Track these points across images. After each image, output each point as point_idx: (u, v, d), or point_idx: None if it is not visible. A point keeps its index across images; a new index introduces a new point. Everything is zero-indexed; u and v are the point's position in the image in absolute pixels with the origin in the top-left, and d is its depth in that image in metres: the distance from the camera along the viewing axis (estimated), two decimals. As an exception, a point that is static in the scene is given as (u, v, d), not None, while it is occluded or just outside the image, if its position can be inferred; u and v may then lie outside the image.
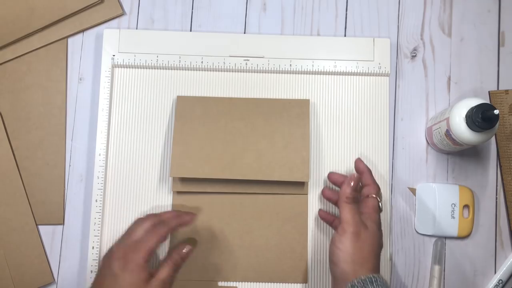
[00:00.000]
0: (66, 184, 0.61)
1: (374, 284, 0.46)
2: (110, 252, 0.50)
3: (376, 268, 0.49)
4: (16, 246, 0.59)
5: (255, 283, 0.58)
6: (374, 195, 0.53)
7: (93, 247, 0.58)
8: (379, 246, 0.50)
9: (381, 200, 0.53)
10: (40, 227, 0.60)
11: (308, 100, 0.60)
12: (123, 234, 0.52)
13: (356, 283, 0.46)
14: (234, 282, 0.58)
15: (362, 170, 0.56)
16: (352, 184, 0.52)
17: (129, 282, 0.47)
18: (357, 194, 0.52)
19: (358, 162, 0.56)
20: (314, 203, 0.60)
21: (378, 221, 0.52)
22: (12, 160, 0.60)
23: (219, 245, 0.58)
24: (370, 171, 0.55)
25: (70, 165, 0.61)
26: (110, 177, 0.60)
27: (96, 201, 0.59)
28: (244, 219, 0.59)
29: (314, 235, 0.59)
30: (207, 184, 0.58)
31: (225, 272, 0.58)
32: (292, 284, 0.58)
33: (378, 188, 0.54)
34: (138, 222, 0.52)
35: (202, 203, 0.59)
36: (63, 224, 0.60)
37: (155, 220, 0.52)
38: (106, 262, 0.49)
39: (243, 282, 0.58)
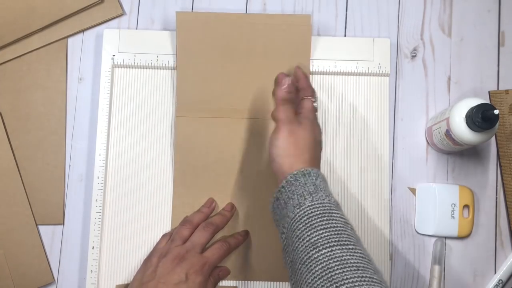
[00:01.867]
0: (66, 184, 0.61)
1: (307, 176, 0.47)
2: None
3: (312, 161, 0.50)
4: (16, 246, 0.59)
5: (255, 282, 0.58)
6: (308, 97, 0.55)
7: (93, 247, 0.58)
8: (315, 141, 0.52)
9: (316, 101, 0.56)
10: (40, 227, 0.60)
11: (309, 16, 0.60)
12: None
13: (289, 178, 0.47)
14: (235, 281, 0.58)
15: (299, 76, 0.56)
16: (284, 86, 0.53)
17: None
18: (291, 95, 0.53)
19: (296, 69, 0.57)
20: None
21: (314, 119, 0.54)
22: (12, 160, 0.60)
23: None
24: (307, 77, 0.57)
25: (70, 165, 0.61)
26: (110, 177, 0.60)
27: (96, 201, 0.59)
28: (244, 219, 0.59)
29: None
30: (210, 111, 0.60)
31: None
32: None
33: (313, 91, 0.56)
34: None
35: (202, 202, 0.59)
36: (63, 224, 0.60)
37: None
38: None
39: (244, 281, 0.58)
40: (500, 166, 0.61)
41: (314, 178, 0.47)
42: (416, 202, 0.60)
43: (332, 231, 0.43)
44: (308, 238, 0.43)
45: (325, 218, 0.44)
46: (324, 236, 0.43)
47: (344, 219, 0.45)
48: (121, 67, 0.62)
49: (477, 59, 0.63)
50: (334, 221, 0.44)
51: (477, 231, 0.60)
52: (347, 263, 0.41)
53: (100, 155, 0.60)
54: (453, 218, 0.59)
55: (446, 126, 0.54)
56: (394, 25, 0.64)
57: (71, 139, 0.62)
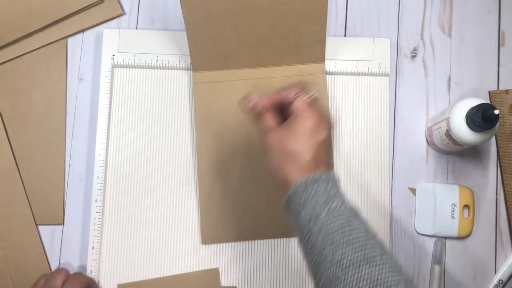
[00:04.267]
0: (66, 184, 0.61)
1: (315, 185, 0.44)
2: None
3: (318, 164, 0.45)
4: (16, 246, 0.59)
5: (255, 281, 0.58)
6: (297, 95, 0.48)
7: (93, 247, 0.58)
8: (314, 140, 0.46)
9: (308, 94, 0.48)
10: (40, 227, 0.60)
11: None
12: None
13: (298, 183, 0.44)
14: (234, 281, 0.58)
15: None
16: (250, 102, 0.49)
17: None
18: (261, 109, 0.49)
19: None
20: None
21: (307, 115, 0.46)
22: (12, 160, 0.60)
23: (241, 205, 0.59)
24: (292, 85, 0.49)
25: (70, 165, 0.61)
26: (110, 177, 0.60)
27: (96, 201, 0.59)
28: (261, 178, 0.59)
29: None
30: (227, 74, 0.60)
31: (248, 230, 0.58)
32: None
33: (302, 88, 0.48)
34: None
35: (226, 165, 0.59)
36: (63, 224, 0.60)
37: None
38: None
39: (243, 281, 0.58)
40: (500, 166, 0.61)
41: (324, 185, 0.44)
42: (416, 202, 0.60)
43: (356, 246, 0.41)
44: (331, 257, 0.41)
45: (346, 232, 0.42)
46: (349, 253, 0.41)
47: (364, 226, 0.43)
48: (121, 67, 0.62)
49: (477, 59, 0.63)
50: (356, 233, 0.42)
51: (477, 231, 0.60)
52: (377, 283, 0.39)
53: (100, 155, 0.60)
54: (453, 218, 0.59)
55: (446, 126, 0.54)
56: (394, 25, 0.64)
57: (71, 139, 0.62)
